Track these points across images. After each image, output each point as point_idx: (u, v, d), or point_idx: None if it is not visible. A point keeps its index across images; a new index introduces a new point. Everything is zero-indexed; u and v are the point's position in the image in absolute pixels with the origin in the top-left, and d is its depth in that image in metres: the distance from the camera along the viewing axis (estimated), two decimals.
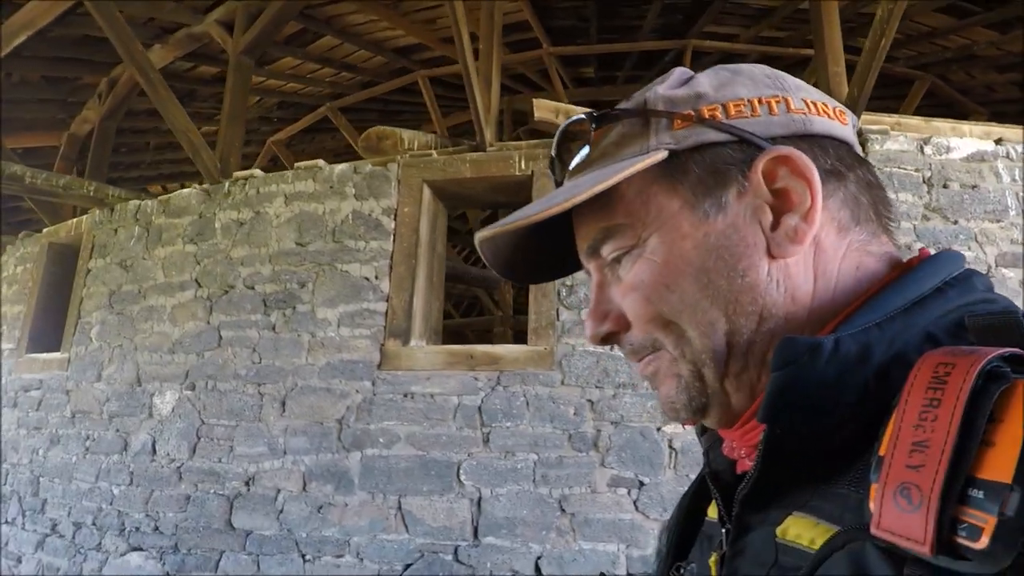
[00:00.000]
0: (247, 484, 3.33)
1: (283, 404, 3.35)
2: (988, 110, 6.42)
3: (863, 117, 3.33)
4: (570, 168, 0.50)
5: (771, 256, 0.44)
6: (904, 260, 0.46)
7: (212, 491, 3.39)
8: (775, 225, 0.44)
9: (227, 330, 3.57)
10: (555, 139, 0.50)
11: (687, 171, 0.45)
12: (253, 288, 3.58)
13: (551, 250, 0.54)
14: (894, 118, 3.54)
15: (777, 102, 0.46)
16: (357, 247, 3.42)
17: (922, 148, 3.21)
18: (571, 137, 0.50)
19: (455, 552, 2.95)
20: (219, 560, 3.28)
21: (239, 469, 3.34)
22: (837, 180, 0.46)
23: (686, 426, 0.52)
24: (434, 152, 3.56)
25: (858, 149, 0.49)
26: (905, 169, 3.16)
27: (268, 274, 3.56)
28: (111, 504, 3.73)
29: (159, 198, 4.14)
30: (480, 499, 2.98)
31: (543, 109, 3.58)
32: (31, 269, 4.97)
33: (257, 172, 3.80)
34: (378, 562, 3.01)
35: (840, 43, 3.66)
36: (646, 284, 0.46)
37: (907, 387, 0.33)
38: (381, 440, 3.14)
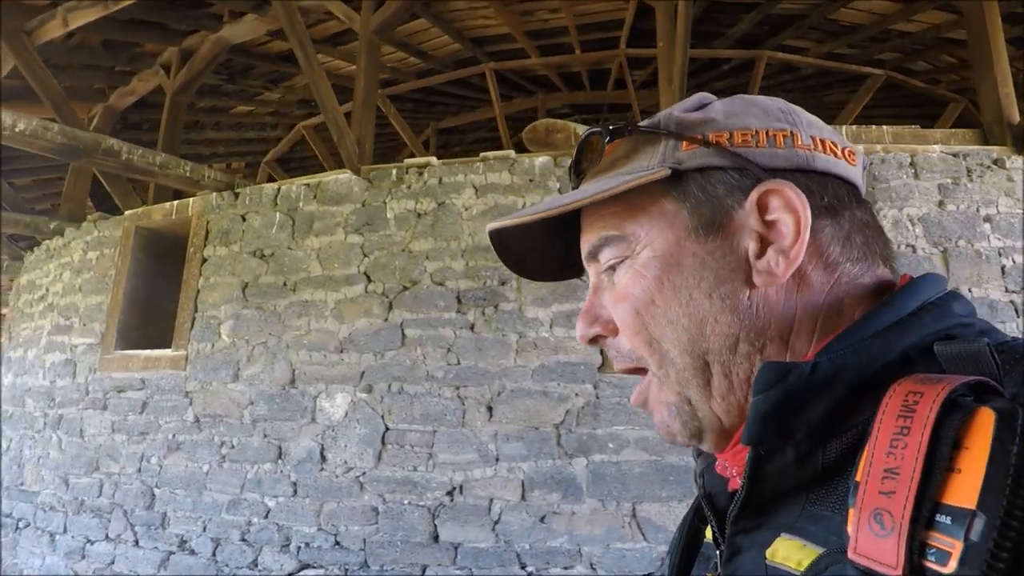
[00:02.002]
0: (450, 494, 3.11)
1: (489, 408, 3.16)
2: None
3: None
4: (584, 176, 0.53)
5: (754, 284, 0.46)
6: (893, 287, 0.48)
7: (408, 502, 3.15)
8: (760, 254, 0.46)
9: (413, 328, 3.32)
10: (576, 148, 0.53)
11: (688, 191, 0.48)
12: (443, 284, 3.35)
13: (560, 251, 0.57)
14: None
15: (784, 136, 0.47)
16: None
17: None
18: (589, 147, 0.52)
19: None
20: (422, 575, 3.05)
21: (443, 478, 3.12)
22: (831, 217, 0.47)
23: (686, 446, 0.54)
24: None
25: (862, 190, 0.51)
26: None
27: (461, 270, 3.34)
28: (266, 518, 3.40)
29: (306, 183, 3.80)
30: None
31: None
32: (111, 255, 4.45)
33: (433, 160, 3.55)
34: (617, 572, 2.89)
35: (1007, 65, 3.83)
36: (635, 296, 0.48)
37: (879, 415, 0.34)
38: (610, 445, 3.02)
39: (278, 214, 3.78)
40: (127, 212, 4.47)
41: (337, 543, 3.20)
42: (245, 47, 5.48)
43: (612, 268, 0.50)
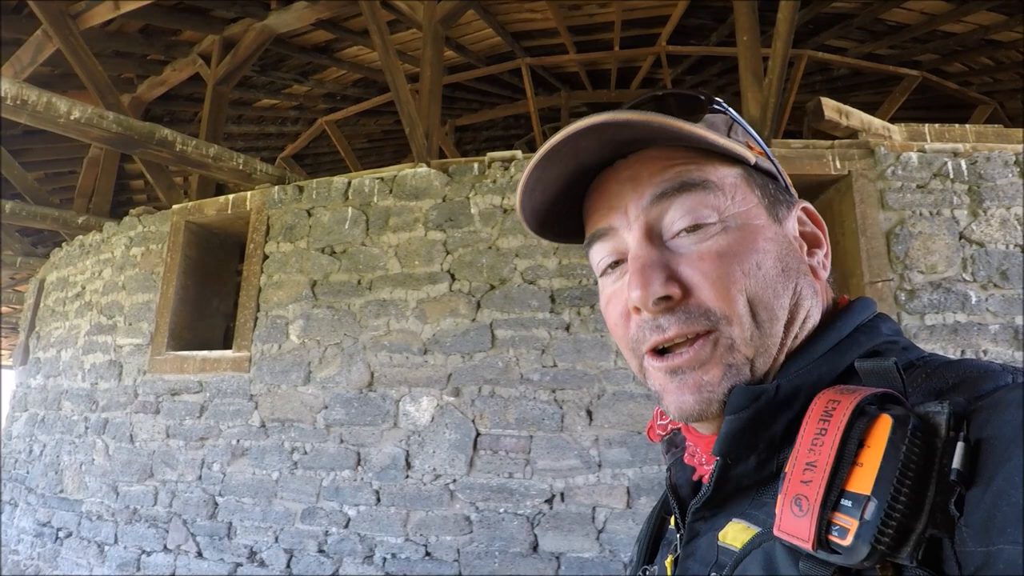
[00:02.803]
0: (548, 502, 2.98)
1: (589, 412, 3.03)
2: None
3: None
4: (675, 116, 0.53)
5: (806, 273, 0.53)
6: (830, 304, 0.55)
7: (504, 510, 3.01)
8: (810, 254, 0.55)
9: (503, 329, 3.19)
10: (663, 95, 0.55)
11: (760, 184, 0.53)
12: (534, 283, 3.22)
13: (564, 209, 0.57)
14: None
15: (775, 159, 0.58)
16: None
17: None
18: (676, 101, 0.55)
19: None
20: None
21: (542, 485, 2.99)
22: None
23: (653, 439, 0.62)
24: None
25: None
26: None
27: (554, 268, 3.21)
28: (346, 527, 3.24)
29: (379, 177, 3.64)
30: None
31: (829, 108, 3.48)
32: (158, 251, 4.24)
33: (518, 154, 3.42)
34: None
35: None
36: (739, 255, 0.49)
37: (805, 418, 0.41)
38: None
39: (350, 209, 3.61)
40: (175, 207, 4.26)
41: (428, 554, 3.05)
42: (281, 37, 5.29)
43: (695, 227, 0.50)
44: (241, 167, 4.13)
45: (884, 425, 0.37)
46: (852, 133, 3.52)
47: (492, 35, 6.01)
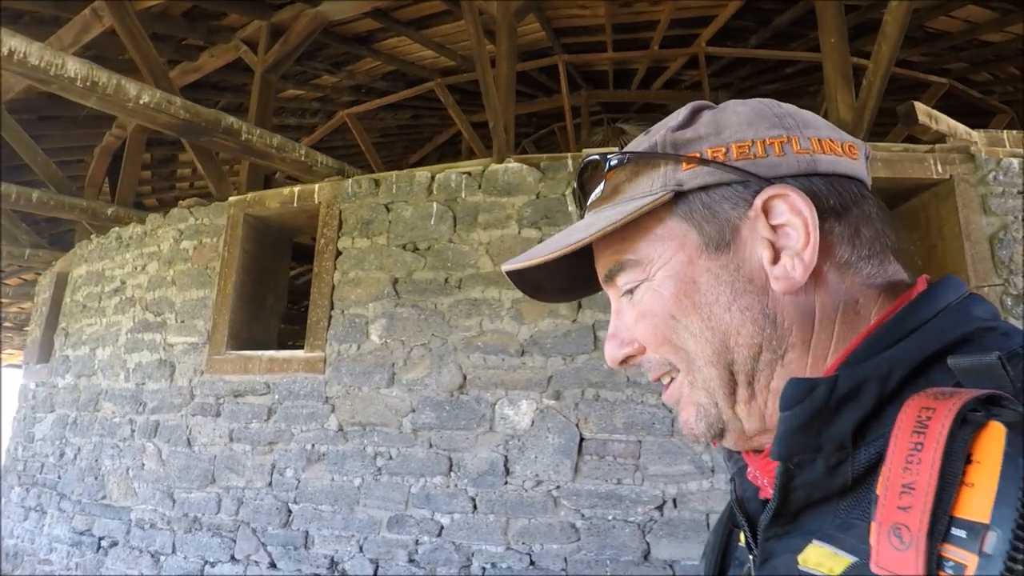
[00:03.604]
0: (660, 509, 2.90)
1: None
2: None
3: None
4: (588, 204, 0.54)
5: (771, 291, 0.46)
6: (907, 289, 0.47)
7: (613, 517, 2.92)
8: (775, 260, 0.46)
9: (606, 331, 3.09)
10: (576, 174, 0.54)
11: (694, 210, 0.48)
12: None
13: (575, 271, 0.57)
14: None
15: (782, 143, 0.47)
16: None
17: None
18: (589, 174, 0.53)
19: None
20: None
21: (654, 491, 2.91)
22: (839, 217, 0.47)
23: (715, 445, 0.55)
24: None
25: (867, 182, 0.50)
26: None
27: None
28: (439, 536, 3.11)
29: (467, 171, 3.51)
30: None
31: (921, 112, 3.47)
32: (213, 245, 4.03)
33: (615, 150, 3.33)
34: None
35: None
36: (655, 314, 0.49)
37: (895, 431, 0.35)
38: None
39: (435, 204, 3.47)
40: (231, 198, 4.06)
41: (532, 563, 2.95)
42: (328, 25, 5.10)
43: (630, 291, 0.51)
44: (303, 158, 3.96)
45: (996, 435, 0.31)
46: (940, 137, 3.53)
47: (536, 30, 5.91)
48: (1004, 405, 0.33)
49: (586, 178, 0.54)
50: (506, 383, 3.16)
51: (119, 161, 6.90)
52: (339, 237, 3.66)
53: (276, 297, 4.24)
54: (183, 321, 4.00)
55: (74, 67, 3.07)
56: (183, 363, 3.91)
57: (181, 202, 4.26)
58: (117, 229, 4.66)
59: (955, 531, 0.31)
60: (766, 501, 0.47)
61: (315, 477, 3.39)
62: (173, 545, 3.62)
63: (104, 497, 4.05)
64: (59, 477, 4.44)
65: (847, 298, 0.46)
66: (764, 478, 0.49)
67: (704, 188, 0.48)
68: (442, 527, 3.12)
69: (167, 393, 3.92)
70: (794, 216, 0.46)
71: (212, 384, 3.76)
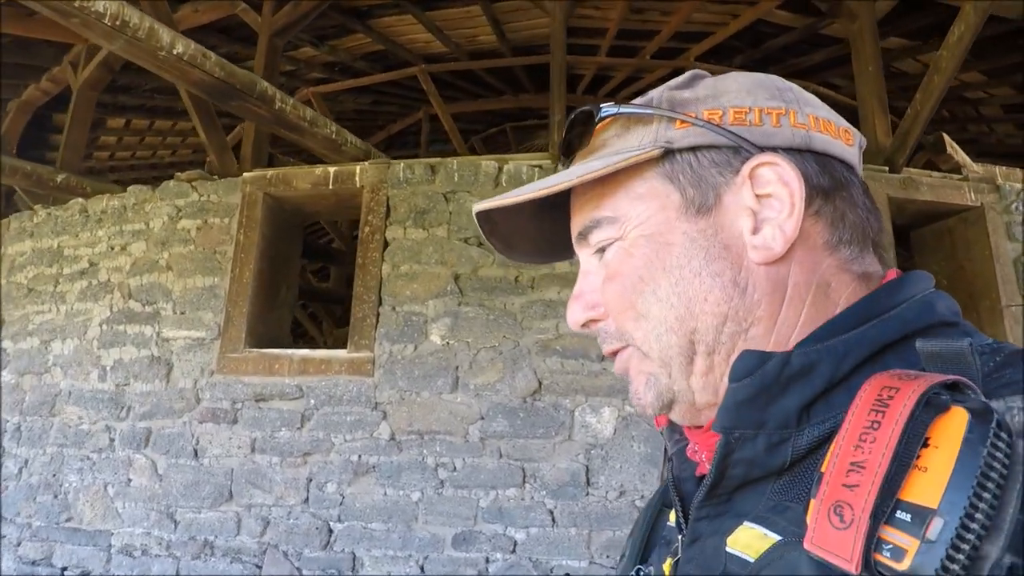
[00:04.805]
0: None
1: None
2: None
3: None
4: (575, 155, 0.53)
5: (746, 261, 0.45)
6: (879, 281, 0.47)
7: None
8: (755, 230, 0.46)
9: None
10: (566, 126, 0.53)
11: (680, 170, 0.47)
12: None
13: (549, 233, 0.57)
14: None
15: (780, 114, 0.47)
16: None
17: None
18: (579, 126, 0.52)
19: None
20: None
21: None
22: (826, 197, 0.46)
23: (658, 428, 0.55)
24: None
25: (858, 169, 0.50)
26: None
27: None
28: (513, 552, 2.90)
29: (537, 164, 3.31)
30: None
31: (947, 143, 3.77)
32: (223, 227, 3.51)
33: None
34: None
35: None
36: (623, 275, 0.48)
37: (852, 407, 0.34)
38: None
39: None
40: (246, 175, 3.56)
41: None
42: None
43: (602, 250, 0.50)
44: (333, 136, 3.57)
45: (958, 420, 0.30)
46: (956, 167, 3.86)
47: (541, 26, 5.78)
48: (967, 393, 0.32)
49: (575, 130, 0.52)
50: (586, 389, 3.02)
51: (43, 120, 5.93)
52: (387, 226, 3.33)
53: (288, 288, 3.79)
54: (183, 312, 3.44)
55: (103, 2, 2.54)
56: (185, 361, 3.37)
57: (179, 174, 3.67)
58: (81, 201, 3.94)
59: (900, 514, 0.30)
60: (702, 479, 0.45)
61: (363, 492, 3.04)
62: (176, 574, 3.10)
63: (70, 520, 3.39)
64: None
65: (820, 280, 0.45)
66: (703, 452, 0.48)
67: (694, 149, 0.47)
68: (516, 543, 2.91)
69: (162, 396, 3.36)
70: (781, 186, 0.45)
71: (226, 386, 3.27)
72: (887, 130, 3.78)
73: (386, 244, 3.31)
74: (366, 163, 3.48)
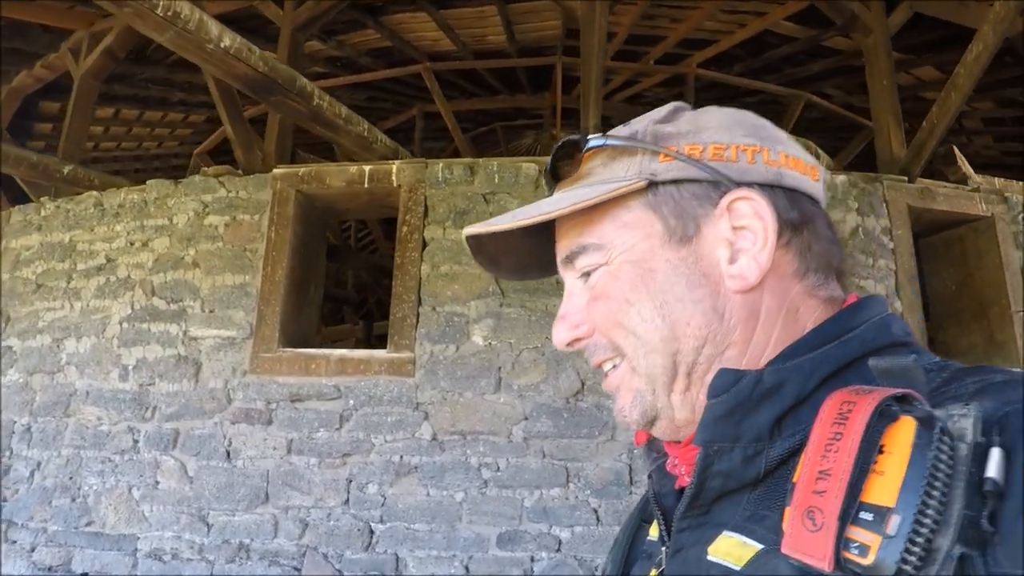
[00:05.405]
0: None
1: None
2: None
3: None
4: (560, 183, 0.56)
5: (724, 289, 0.49)
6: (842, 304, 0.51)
7: None
8: (732, 260, 0.49)
9: None
10: (551, 155, 0.55)
11: (663, 201, 0.50)
12: None
13: (534, 251, 0.59)
14: None
15: (755, 151, 0.50)
16: (868, 263, 3.34)
17: None
18: (566, 154, 0.55)
19: None
20: None
21: None
22: (794, 231, 0.50)
23: (637, 445, 0.58)
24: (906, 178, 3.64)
25: (823, 203, 0.54)
26: None
27: None
28: (558, 551, 2.93)
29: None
30: None
31: (958, 156, 3.95)
32: (253, 223, 3.44)
33: None
34: None
35: None
36: (610, 296, 0.51)
37: (817, 422, 0.38)
38: None
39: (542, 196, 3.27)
40: (276, 171, 3.49)
41: None
42: None
43: (587, 274, 0.53)
44: (365, 133, 3.54)
45: (907, 428, 0.34)
46: (962, 179, 4.04)
47: (552, 27, 5.82)
48: (914, 404, 0.36)
49: (561, 157, 0.55)
50: None
51: (28, 108, 5.69)
52: (424, 225, 3.31)
53: (316, 286, 3.74)
54: (212, 311, 3.36)
55: None
56: (215, 361, 3.29)
57: (204, 169, 3.58)
58: (96, 194, 3.80)
59: (863, 514, 0.33)
60: (682, 492, 0.48)
61: (406, 492, 3.03)
62: None
63: (90, 524, 3.28)
64: (3, 500, 3.51)
65: (790, 305, 0.49)
66: (683, 466, 0.51)
67: (676, 182, 0.50)
68: (561, 542, 2.94)
69: (191, 397, 3.27)
70: (756, 220, 0.48)
71: (260, 386, 3.21)
72: (901, 141, 3.94)
73: (424, 244, 3.30)
74: (401, 162, 3.46)
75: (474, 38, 6.01)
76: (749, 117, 0.53)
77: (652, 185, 0.50)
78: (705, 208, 0.49)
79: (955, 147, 3.90)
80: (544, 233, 0.56)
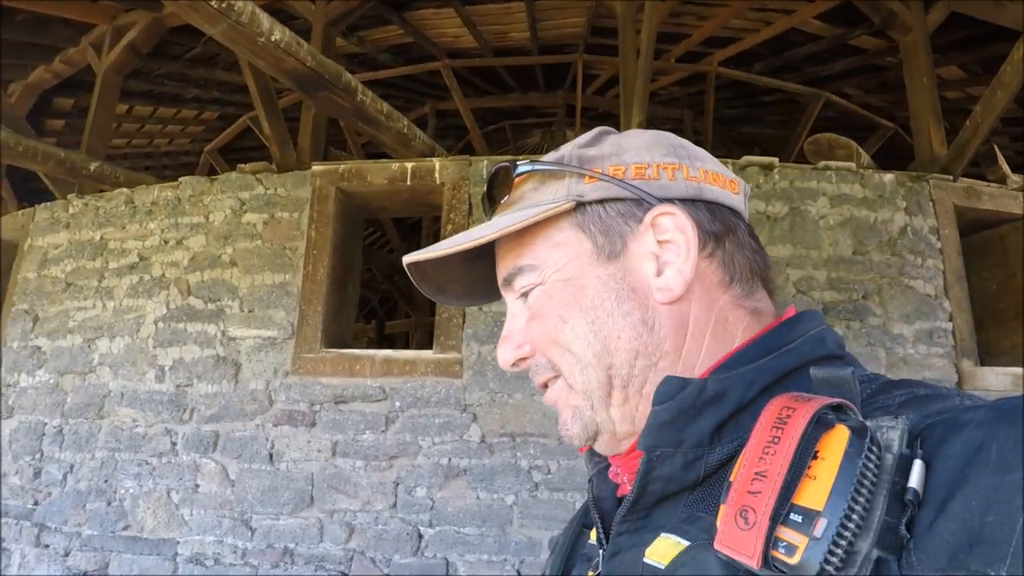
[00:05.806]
0: None
1: None
2: None
3: None
4: (496, 208, 0.58)
5: (652, 302, 0.50)
6: (775, 315, 0.54)
7: None
8: (659, 273, 0.51)
9: None
10: (487, 180, 0.58)
11: (591, 220, 0.52)
12: (806, 294, 3.16)
13: (480, 276, 0.61)
14: None
15: (675, 169, 0.53)
16: (916, 262, 3.31)
17: None
18: (499, 180, 0.57)
19: None
20: None
21: None
22: (717, 242, 0.52)
23: (581, 452, 0.59)
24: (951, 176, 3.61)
25: (744, 215, 0.56)
26: None
27: (824, 280, 3.18)
28: None
29: None
30: None
31: (998, 155, 3.93)
32: (293, 221, 3.37)
33: (775, 161, 3.33)
34: None
35: None
36: (545, 315, 0.53)
37: (757, 424, 0.39)
38: None
39: None
40: (316, 168, 3.43)
41: None
42: None
43: (525, 294, 0.54)
44: (405, 130, 3.48)
45: (840, 436, 0.35)
46: (1001, 178, 4.03)
47: (575, 24, 5.77)
48: (848, 413, 0.37)
49: (496, 183, 0.57)
50: None
51: (40, 105, 5.59)
52: (469, 224, 3.26)
53: (354, 286, 3.67)
54: (251, 311, 3.30)
55: None
56: (255, 361, 3.23)
57: (241, 166, 3.51)
58: (127, 191, 3.72)
59: (793, 516, 0.34)
60: (622, 499, 0.49)
61: (455, 496, 2.98)
62: None
63: (127, 528, 3.21)
64: (35, 503, 3.43)
65: (718, 315, 0.51)
66: (625, 474, 0.52)
67: (602, 201, 0.52)
68: None
69: (231, 398, 3.21)
70: (678, 233, 0.50)
71: (303, 388, 3.15)
72: (942, 140, 3.91)
73: None
74: (445, 159, 3.41)
75: (496, 35, 5.95)
76: (669, 138, 0.55)
77: (580, 206, 0.52)
78: (631, 225, 0.52)
79: (995, 147, 3.88)
80: (487, 258, 0.58)
